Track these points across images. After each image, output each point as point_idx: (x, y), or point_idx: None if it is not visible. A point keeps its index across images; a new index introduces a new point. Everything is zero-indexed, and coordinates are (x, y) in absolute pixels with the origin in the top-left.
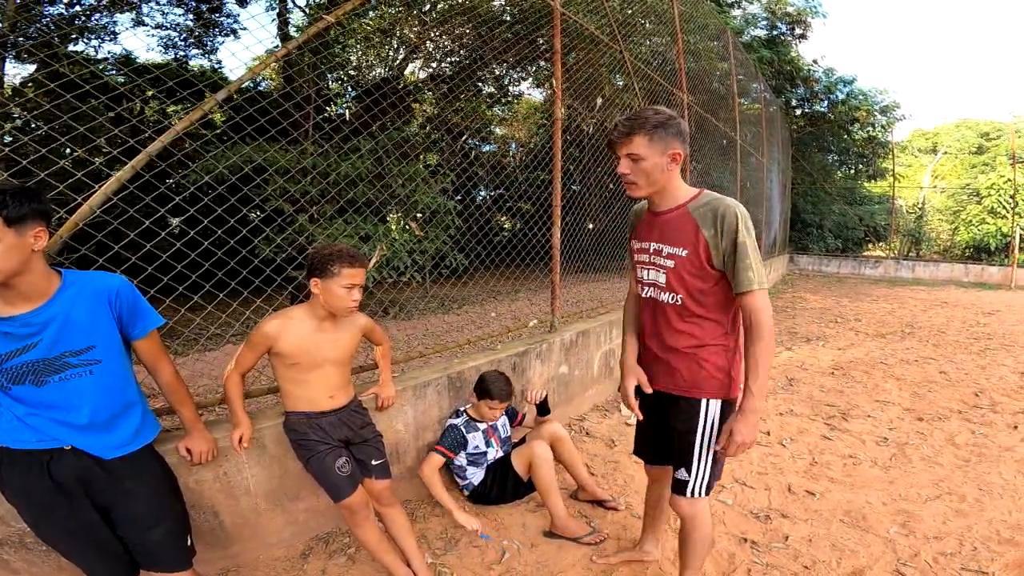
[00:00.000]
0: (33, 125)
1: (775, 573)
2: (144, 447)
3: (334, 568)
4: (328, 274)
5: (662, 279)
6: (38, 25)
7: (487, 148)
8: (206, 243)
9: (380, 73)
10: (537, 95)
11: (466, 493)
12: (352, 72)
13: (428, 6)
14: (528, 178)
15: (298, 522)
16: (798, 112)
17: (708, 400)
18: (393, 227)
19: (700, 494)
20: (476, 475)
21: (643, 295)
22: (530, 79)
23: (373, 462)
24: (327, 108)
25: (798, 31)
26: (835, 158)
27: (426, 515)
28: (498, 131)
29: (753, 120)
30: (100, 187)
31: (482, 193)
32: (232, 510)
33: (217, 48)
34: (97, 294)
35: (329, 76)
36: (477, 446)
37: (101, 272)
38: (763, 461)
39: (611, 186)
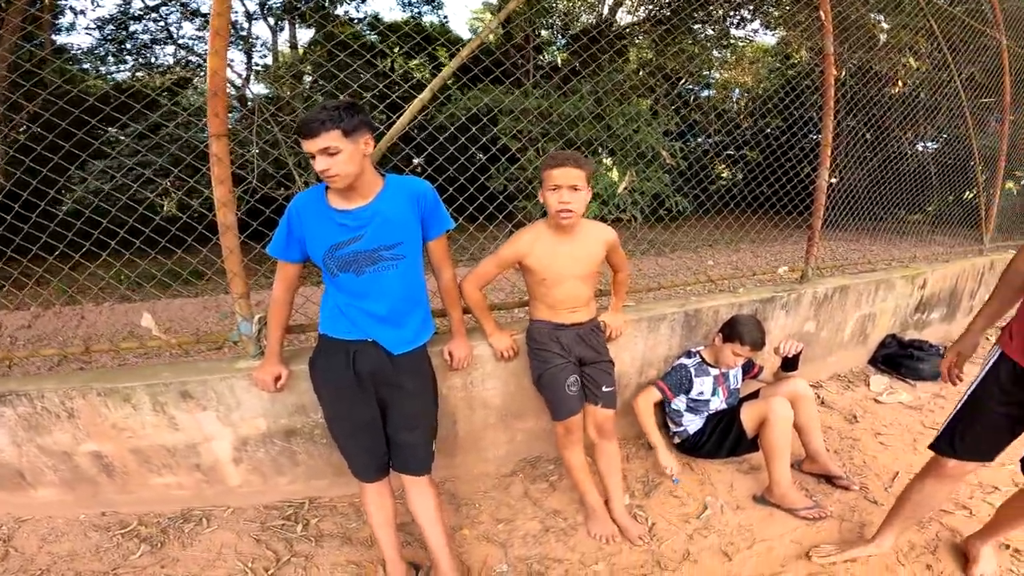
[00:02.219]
0: (319, 83)
1: None
2: (421, 347)
3: (535, 492)
4: (543, 184)
5: None
6: None
7: (705, 93)
8: (440, 179)
9: (588, 20)
10: (767, 38)
11: (676, 441)
12: (559, 20)
13: None
14: (755, 125)
15: (515, 441)
16: None
17: None
18: (611, 166)
19: None
20: (693, 423)
21: None
22: (756, 20)
23: (603, 388)
24: (542, 55)
25: None
26: None
27: (629, 455)
28: (717, 75)
29: None
30: (408, 108)
31: (697, 139)
32: (468, 420)
33: (442, 4)
34: (410, 195)
35: (541, 24)
36: (702, 392)
37: (413, 177)
38: None
39: (867, 136)
